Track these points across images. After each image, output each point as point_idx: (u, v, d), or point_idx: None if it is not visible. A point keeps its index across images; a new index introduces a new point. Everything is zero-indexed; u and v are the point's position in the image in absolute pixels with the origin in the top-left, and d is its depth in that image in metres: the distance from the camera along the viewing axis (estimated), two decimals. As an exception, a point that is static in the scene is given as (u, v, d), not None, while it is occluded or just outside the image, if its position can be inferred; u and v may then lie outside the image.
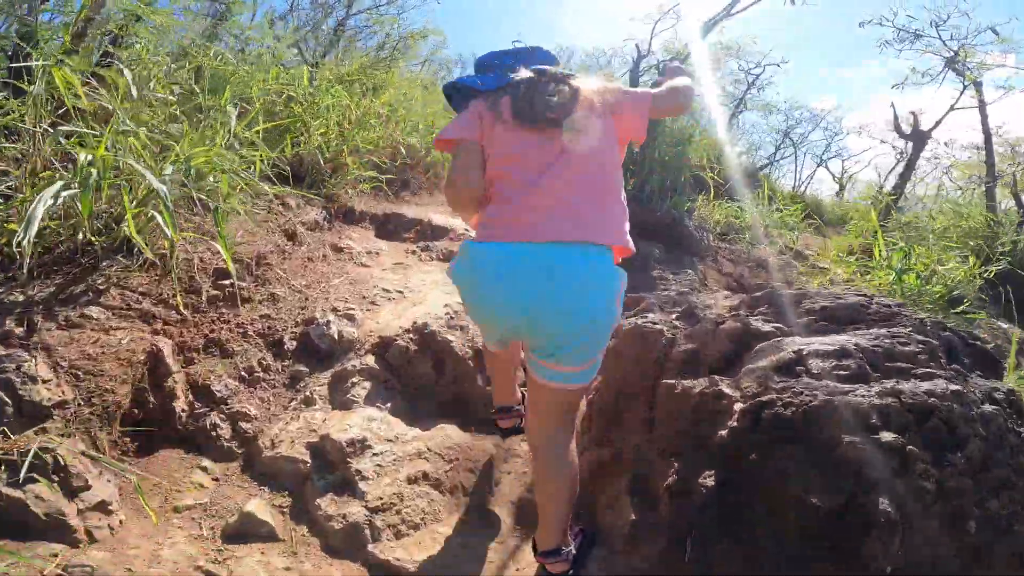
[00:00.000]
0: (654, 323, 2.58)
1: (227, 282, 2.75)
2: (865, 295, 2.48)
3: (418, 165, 5.35)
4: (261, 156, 3.37)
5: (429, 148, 5.51)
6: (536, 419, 1.84)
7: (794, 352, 2.06)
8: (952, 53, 6.43)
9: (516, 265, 1.60)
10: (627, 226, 1.79)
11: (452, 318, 2.92)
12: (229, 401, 2.47)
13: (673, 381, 2.27)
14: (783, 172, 14.77)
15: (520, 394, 2.50)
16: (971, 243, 5.70)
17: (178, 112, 3.42)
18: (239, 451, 2.38)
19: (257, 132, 3.55)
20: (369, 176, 4.37)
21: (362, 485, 2.20)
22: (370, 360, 2.73)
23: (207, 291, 2.67)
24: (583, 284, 1.61)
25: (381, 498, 2.16)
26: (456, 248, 3.83)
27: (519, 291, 1.59)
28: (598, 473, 2.33)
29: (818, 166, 15.34)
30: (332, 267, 3.38)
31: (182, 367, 2.49)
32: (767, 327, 2.33)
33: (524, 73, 1.78)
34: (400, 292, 3.25)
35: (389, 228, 4.21)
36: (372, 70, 5.56)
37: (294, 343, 2.75)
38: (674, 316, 2.71)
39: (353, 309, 2.95)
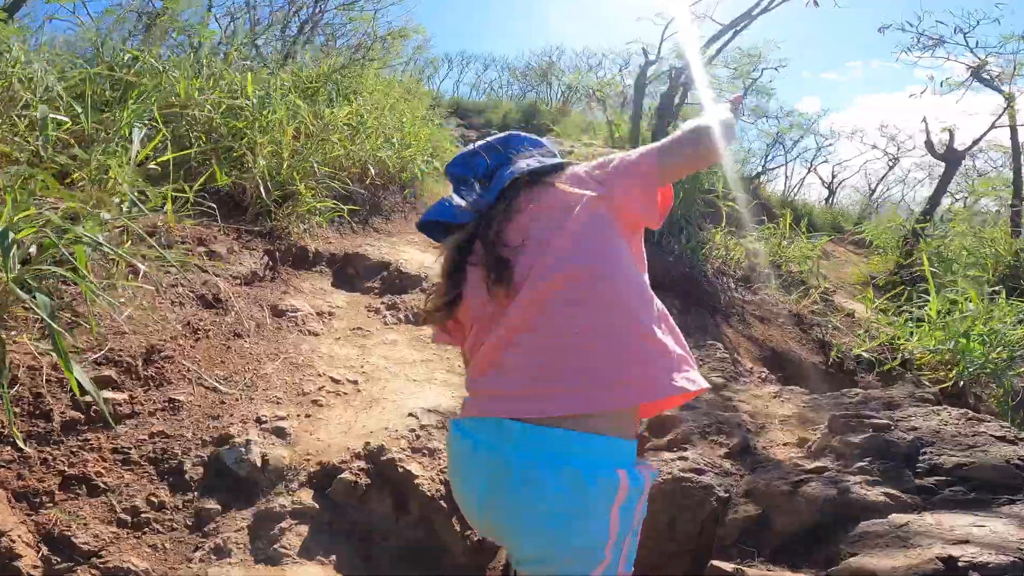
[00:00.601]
0: (698, 472, 1.78)
1: (104, 395, 1.89)
2: (1006, 437, 1.69)
3: (392, 183, 4.47)
4: (164, 193, 2.48)
5: (405, 163, 4.63)
6: None
7: (939, 559, 1.27)
8: (979, 61, 5.65)
9: (474, 453, 1.01)
10: (672, 356, 1.02)
11: (417, 436, 2.10)
12: (103, 553, 1.64)
13: (731, 567, 1.48)
14: (773, 177, 14.03)
15: None
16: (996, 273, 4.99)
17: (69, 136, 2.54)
18: None
19: (164, 161, 2.67)
20: (326, 207, 3.49)
21: None
22: (306, 496, 1.91)
23: (61, 412, 1.81)
24: (559, 502, 0.93)
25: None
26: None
27: (473, 490, 1.03)
28: None
29: (808, 172, 14.52)
30: (267, 343, 2.52)
31: (26, 516, 1.65)
32: (874, 494, 1.54)
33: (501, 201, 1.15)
34: (354, 382, 2.41)
35: (349, 273, 3.35)
36: (341, 74, 4.64)
37: (200, 470, 1.91)
38: (722, 452, 1.92)
39: (285, 419, 2.11)
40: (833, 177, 14.74)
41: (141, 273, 2.37)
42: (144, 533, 1.73)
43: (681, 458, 1.85)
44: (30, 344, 1.87)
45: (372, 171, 4.01)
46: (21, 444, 1.70)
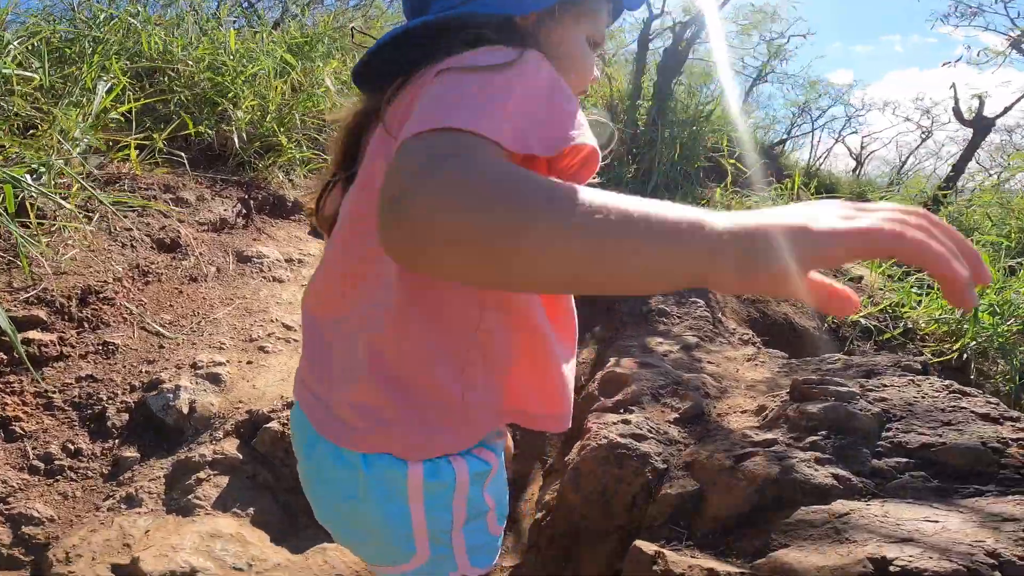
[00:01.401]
0: (638, 438, 1.55)
1: (28, 335, 1.77)
2: (990, 415, 1.40)
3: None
4: (128, 141, 2.32)
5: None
6: None
7: (870, 560, 1.03)
8: (1021, 31, 5.02)
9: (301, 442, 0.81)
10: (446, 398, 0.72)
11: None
12: (9, 500, 1.53)
13: (653, 550, 1.26)
14: (799, 146, 13.19)
15: None
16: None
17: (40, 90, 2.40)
18: (26, 560, 1.47)
19: (130, 108, 2.50)
20: (306, 157, 3.30)
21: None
22: (230, 446, 1.76)
23: (-21, 352, 1.69)
24: (334, 500, 0.79)
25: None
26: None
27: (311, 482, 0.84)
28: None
29: (836, 141, 13.57)
30: (224, 288, 2.37)
31: None
32: (822, 475, 1.29)
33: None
34: (305, 330, 2.24)
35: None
36: (339, 32, 4.39)
37: (125, 417, 1.78)
38: (672, 417, 1.68)
39: (223, 365, 1.95)
40: (862, 148, 13.82)
41: (97, 217, 2.24)
42: (56, 481, 1.61)
43: (624, 421, 1.62)
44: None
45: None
46: (-69, 382, 1.59)
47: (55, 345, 1.82)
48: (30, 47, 2.44)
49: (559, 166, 0.58)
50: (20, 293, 1.83)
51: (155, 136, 2.65)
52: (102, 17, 3.11)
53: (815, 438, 1.38)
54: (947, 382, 1.63)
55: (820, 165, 12.10)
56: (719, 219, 0.40)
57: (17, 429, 1.65)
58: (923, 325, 3.04)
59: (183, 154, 2.69)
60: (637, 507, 1.46)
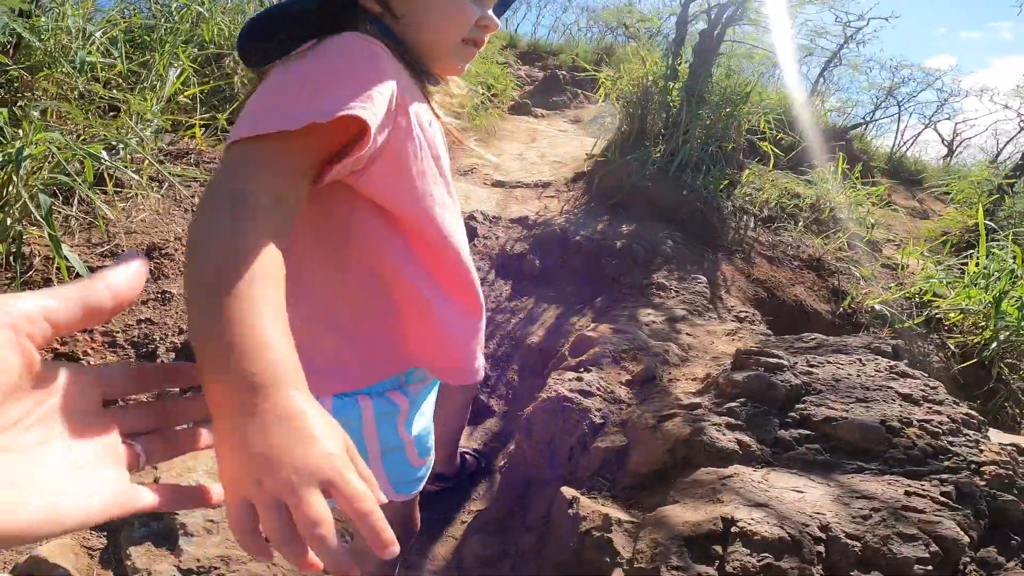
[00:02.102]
0: (584, 394, 1.71)
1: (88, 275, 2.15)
2: (912, 396, 1.46)
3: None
4: (192, 122, 2.67)
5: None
6: None
7: (722, 520, 1.15)
8: None
9: None
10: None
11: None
12: None
13: (572, 495, 1.44)
14: (882, 131, 12.20)
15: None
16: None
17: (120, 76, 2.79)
18: None
19: (195, 92, 2.85)
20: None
21: (183, 542, 1.61)
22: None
23: (63, 295, 2.08)
24: None
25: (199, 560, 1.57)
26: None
27: None
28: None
29: (925, 127, 12.43)
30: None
31: None
32: (726, 440, 1.41)
33: None
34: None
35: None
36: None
37: (172, 355, 2.13)
38: (624, 379, 1.82)
39: (254, 316, 2.27)
40: (955, 135, 12.59)
41: (166, 186, 2.61)
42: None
43: (578, 379, 1.78)
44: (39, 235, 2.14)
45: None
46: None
47: (123, 292, 2.20)
48: (111, 38, 2.81)
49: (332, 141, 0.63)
50: (97, 247, 2.22)
51: (219, 116, 3.00)
52: (174, 7, 3.48)
53: (733, 404, 1.48)
54: (894, 364, 1.67)
55: (906, 151, 11.20)
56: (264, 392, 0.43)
57: (86, 363, 2.04)
58: (951, 315, 2.93)
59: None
60: (574, 458, 1.63)
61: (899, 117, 11.96)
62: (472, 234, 3.08)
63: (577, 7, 19.16)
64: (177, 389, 1.66)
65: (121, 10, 3.37)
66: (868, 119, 10.60)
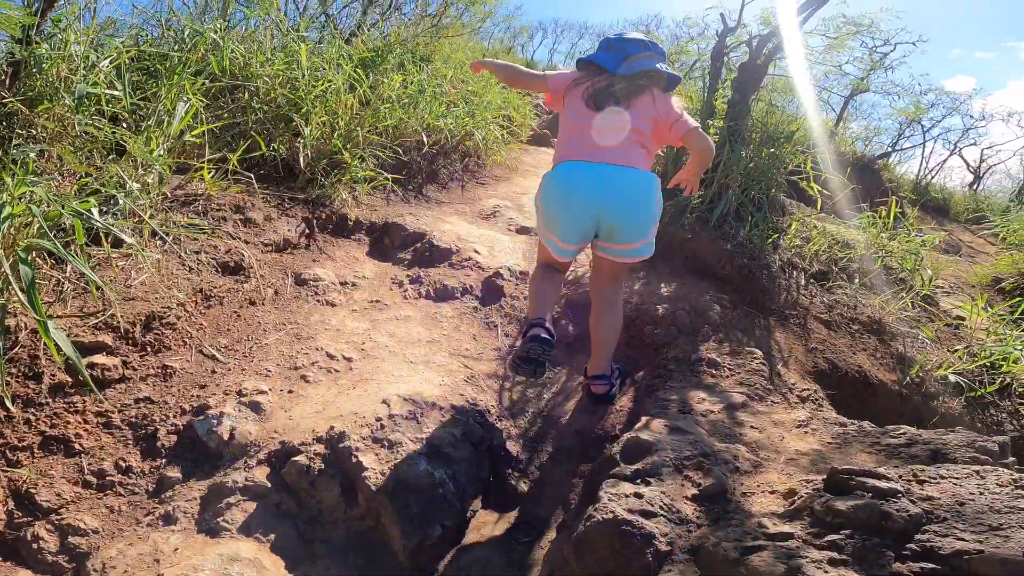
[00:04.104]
0: (647, 515, 1.50)
1: (93, 360, 1.97)
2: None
3: (454, 151, 4.31)
4: (201, 164, 2.51)
5: (468, 131, 4.44)
6: (600, 279, 2.25)
7: None
8: None
9: (593, 173, 2.05)
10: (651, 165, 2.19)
11: (383, 425, 1.98)
12: (61, 511, 1.72)
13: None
14: (907, 158, 12.12)
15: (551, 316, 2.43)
16: None
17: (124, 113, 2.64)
18: (68, 567, 1.65)
19: (204, 131, 2.69)
20: (366, 176, 3.42)
21: None
22: (260, 474, 1.88)
23: (52, 375, 1.89)
24: (634, 185, 2.06)
25: None
26: (451, 281, 2.86)
27: (586, 192, 2.05)
28: None
29: (951, 153, 12.29)
30: (279, 313, 2.51)
31: (1, 473, 1.76)
32: (837, 587, 1.19)
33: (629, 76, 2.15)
34: (348, 359, 2.34)
35: (384, 243, 3.27)
36: (409, 43, 4.50)
37: (173, 438, 1.94)
38: (691, 494, 1.62)
39: (265, 393, 2.09)
40: (981, 161, 12.46)
41: (170, 239, 2.44)
42: (105, 495, 1.78)
43: (637, 495, 1.57)
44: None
45: (425, 140, 3.87)
46: (8, 404, 1.80)
47: (118, 368, 2.02)
48: (119, 66, 2.65)
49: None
50: (91, 318, 2.04)
51: (230, 156, 2.85)
52: (187, 33, 3.35)
53: (836, 537, 1.28)
54: (1018, 475, 1.46)
55: (931, 178, 11.05)
56: None
57: (77, 446, 1.84)
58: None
59: (252, 175, 2.87)
60: (640, 591, 1.42)
61: (924, 143, 11.82)
62: (499, 293, 2.90)
63: (593, 34, 19.36)
64: None
65: (134, 36, 3.23)
66: (894, 147, 10.46)
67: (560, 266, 2.28)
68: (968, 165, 12.72)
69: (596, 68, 2.16)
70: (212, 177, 2.80)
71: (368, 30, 4.86)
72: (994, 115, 11.53)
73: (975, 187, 12.50)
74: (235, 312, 2.42)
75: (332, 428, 1.95)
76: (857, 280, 3.25)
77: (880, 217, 3.80)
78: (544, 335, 1.95)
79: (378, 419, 2.00)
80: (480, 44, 5.62)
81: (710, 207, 3.25)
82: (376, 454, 1.90)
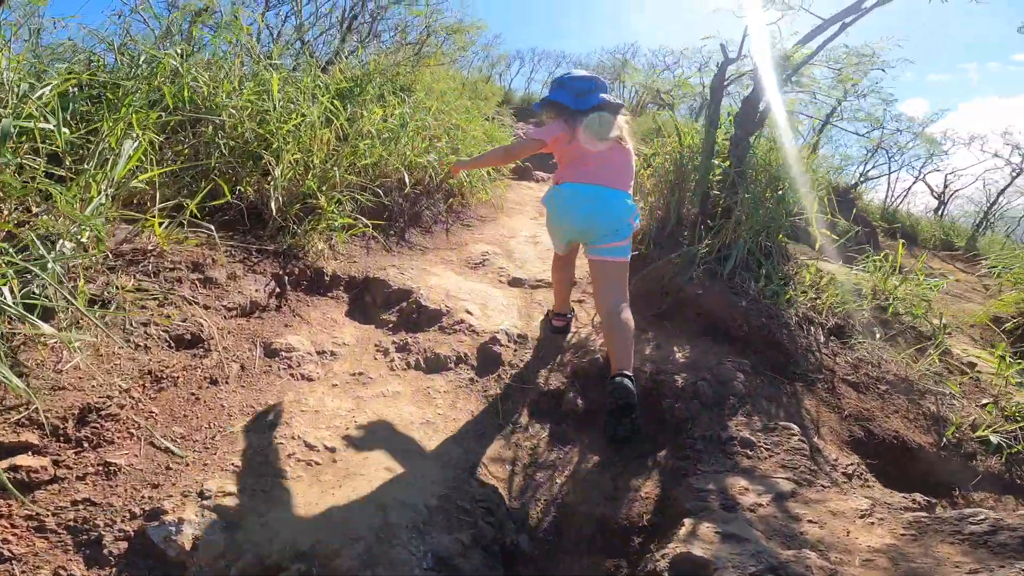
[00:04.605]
0: None
1: (15, 462, 1.60)
2: None
3: (437, 191, 4.03)
4: (153, 213, 2.17)
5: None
6: (602, 289, 2.50)
7: None
8: None
9: (586, 193, 2.49)
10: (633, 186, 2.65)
11: (379, 537, 1.65)
12: None
13: None
14: (873, 186, 12.42)
15: (571, 305, 3.10)
16: None
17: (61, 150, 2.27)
18: None
19: (157, 174, 2.36)
20: (344, 223, 3.11)
21: None
22: (233, 599, 1.53)
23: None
24: (616, 203, 2.49)
25: None
26: (443, 348, 2.56)
27: (588, 205, 2.49)
28: None
29: (915, 180, 12.69)
30: (247, 392, 2.17)
31: None
32: None
33: (594, 110, 2.52)
34: (331, 450, 2.01)
35: (366, 301, 2.95)
36: (389, 73, 4.23)
37: (123, 545, 1.58)
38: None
39: (233, 495, 1.74)
40: (945, 187, 12.90)
41: (113, 307, 2.09)
42: (47, 608, 1.41)
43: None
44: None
45: (408, 179, 3.58)
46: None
47: (47, 469, 1.65)
48: (64, 95, 2.30)
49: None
50: (12, 413, 1.67)
51: (187, 203, 2.51)
52: (143, 59, 3.00)
53: None
54: None
55: (898, 205, 11.28)
56: None
57: (5, 551, 1.48)
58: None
59: (214, 224, 2.54)
60: None
61: (889, 172, 12.12)
62: (497, 362, 2.61)
63: (570, 62, 19.57)
64: None
65: (84, 61, 2.88)
66: (866, 177, 10.66)
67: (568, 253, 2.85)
68: (932, 191, 13.10)
69: (560, 106, 2.57)
70: (165, 228, 2.45)
71: (346, 58, 4.57)
72: (956, 140, 11.88)
73: (940, 213, 12.88)
74: (193, 394, 2.07)
75: (318, 543, 1.62)
76: (878, 335, 3.07)
77: (887, 261, 3.67)
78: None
79: (373, 529, 1.67)
80: (459, 73, 5.41)
81: (719, 258, 3.05)
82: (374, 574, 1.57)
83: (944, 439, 2.56)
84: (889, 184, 12.85)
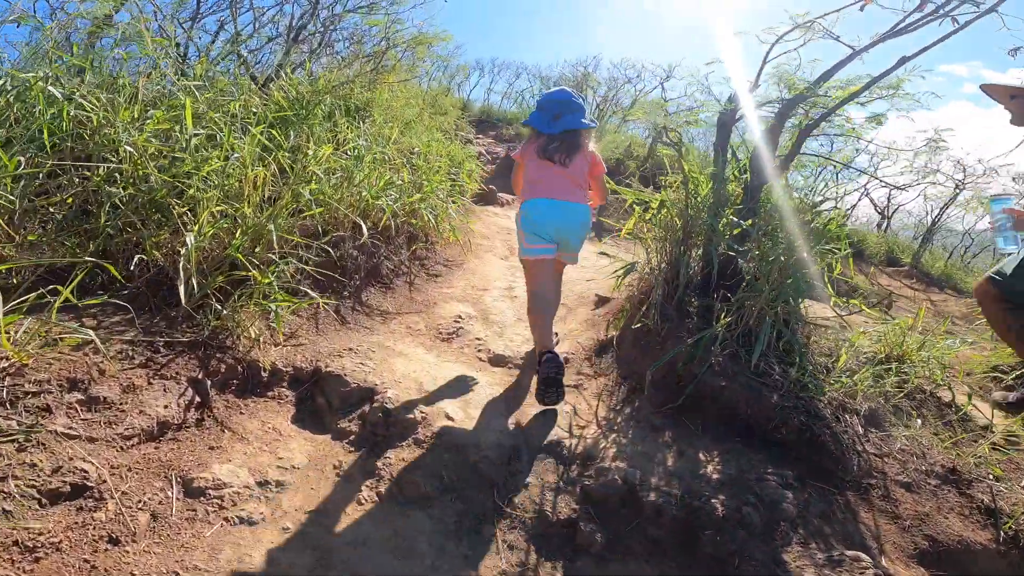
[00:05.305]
0: None
1: None
2: None
3: (398, 234, 3.43)
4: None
5: (413, 208, 3.58)
6: (551, 282, 2.85)
7: None
8: None
9: (553, 206, 2.76)
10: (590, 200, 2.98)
11: None
12: None
13: None
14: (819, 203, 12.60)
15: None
16: None
17: None
18: None
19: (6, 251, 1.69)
20: (283, 300, 2.48)
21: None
22: None
23: None
24: (576, 215, 2.80)
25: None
26: (420, 474, 2.00)
27: (555, 216, 2.76)
28: None
29: (861, 196, 12.95)
30: (164, 550, 1.55)
31: None
32: None
33: (564, 134, 2.81)
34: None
35: (318, 403, 2.34)
36: (342, 90, 3.58)
37: None
38: None
39: None
40: (888, 201, 13.25)
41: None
42: None
43: None
44: None
45: (364, 228, 2.97)
46: None
47: None
48: None
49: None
50: None
51: (60, 288, 1.84)
52: (6, 83, 2.30)
53: None
54: None
55: (844, 220, 11.44)
56: None
57: None
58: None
59: (101, 305, 1.87)
60: None
61: (837, 185, 12.25)
62: (489, 485, 2.06)
63: (530, 74, 19.09)
64: None
65: None
66: (836, 200, 10.64)
67: (540, 273, 2.84)
68: (875, 206, 13.37)
69: (533, 129, 2.88)
70: (26, 330, 1.78)
71: (292, 72, 3.85)
72: (898, 154, 12.12)
73: (883, 227, 13.18)
74: (85, 561, 1.45)
75: None
76: (918, 420, 2.73)
77: (903, 324, 3.36)
78: (556, 357, 2.54)
79: None
80: (419, 88, 4.80)
81: (739, 338, 2.62)
82: None
83: (1002, 533, 2.26)
84: (836, 201, 13.05)
